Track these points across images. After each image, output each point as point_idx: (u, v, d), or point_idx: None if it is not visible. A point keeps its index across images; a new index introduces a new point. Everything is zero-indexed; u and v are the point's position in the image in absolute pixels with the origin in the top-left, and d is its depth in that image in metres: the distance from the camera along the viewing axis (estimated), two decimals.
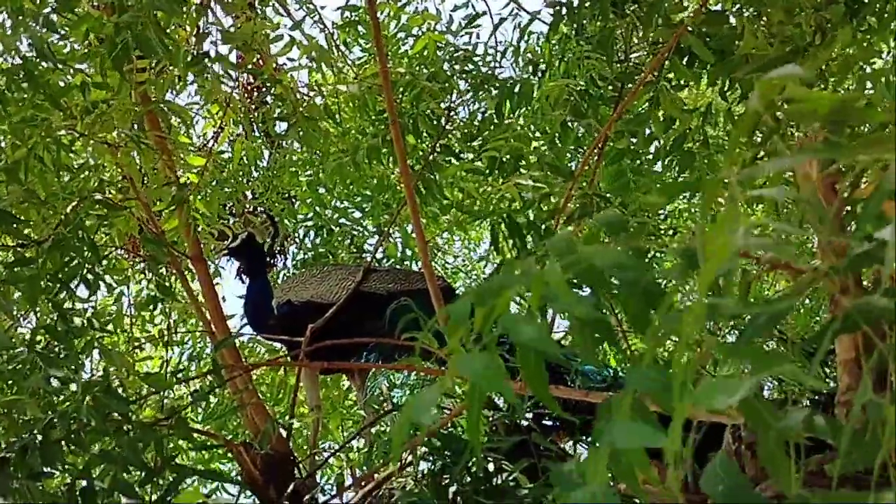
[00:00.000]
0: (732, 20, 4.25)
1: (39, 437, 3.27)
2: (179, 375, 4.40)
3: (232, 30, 4.80)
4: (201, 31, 4.68)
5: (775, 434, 1.41)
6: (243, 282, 7.58)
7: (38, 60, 3.97)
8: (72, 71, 4.64)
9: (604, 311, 1.53)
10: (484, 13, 6.09)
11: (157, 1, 3.55)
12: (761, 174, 1.24)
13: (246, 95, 6.22)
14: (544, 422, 4.67)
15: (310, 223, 7.25)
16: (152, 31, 3.54)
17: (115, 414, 3.42)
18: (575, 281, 1.49)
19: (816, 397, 3.55)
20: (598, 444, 1.32)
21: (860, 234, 1.22)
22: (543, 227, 4.27)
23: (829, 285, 2.30)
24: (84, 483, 3.27)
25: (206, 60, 4.40)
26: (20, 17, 3.84)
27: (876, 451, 1.40)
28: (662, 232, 6.61)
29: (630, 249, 1.48)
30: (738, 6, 4.23)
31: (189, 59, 4.34)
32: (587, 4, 4.60)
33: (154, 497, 3.36)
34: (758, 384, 1.26)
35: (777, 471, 1.40)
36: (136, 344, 6.36)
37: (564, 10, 4.67)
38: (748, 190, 1.21)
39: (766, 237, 1.18)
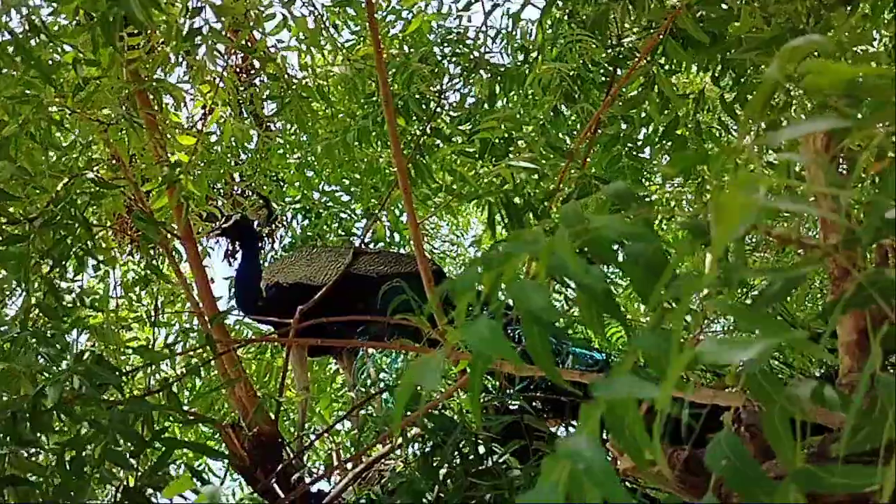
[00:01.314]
0: (723, 5, 4.24)
1: (30, 406, 3.25)
2: (171, 349, 4.36)
3: (201, 4, 4.76)
4: (193, 7, 4.65)
5: (781, 409, 1.41)
6: (230, 264, 7.57)
7: (28, 35, 3.94)
8: (60, 48, 4.60)
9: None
10: (477, 0, 6.08)
11: None
12: (778, 140, 1.23)
13: (236, 76, 6.19)
14: (533, 405, 4.68)
15: (298, 206, 7.24)
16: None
17: (107, 386, 3.42)
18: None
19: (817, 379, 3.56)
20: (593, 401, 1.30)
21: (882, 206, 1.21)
22: (540, 208, 4.26)
23: (831, 265, 2.31)
24: (73, 453, 3.26)
25: (200, 36, 4.38)
26: None
27: (883, 429, 1.40)
28: None
29: (639, 220, 1.48)
30: None
31: (183, 34, 4.32)
32: None
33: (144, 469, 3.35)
34: (768, 350, 1.25)
35: (781, 447, 1.40)
36: (123, 324, 6.33)
37: None
38: (764, 155, 1.20)
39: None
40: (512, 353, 1.35)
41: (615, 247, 1.51)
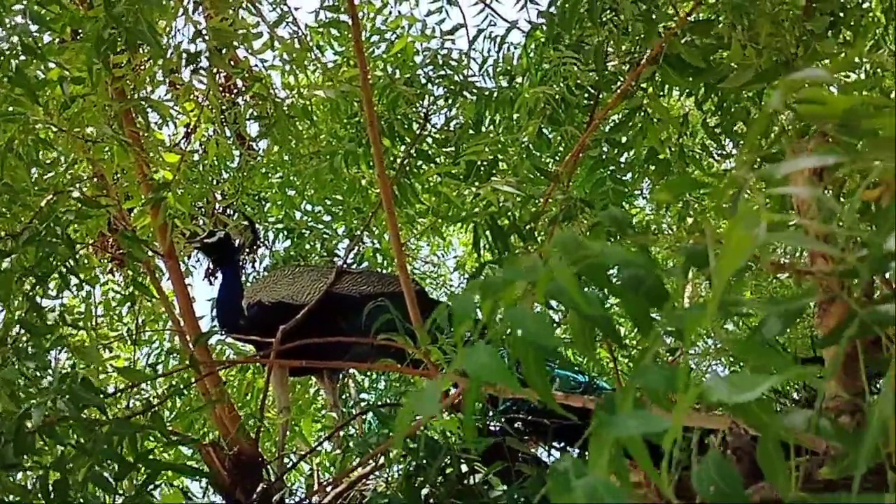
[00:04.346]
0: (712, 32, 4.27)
1: (13, 428, 3.23)
2: (155, 370, 4.35)
3: (203, 29, 4.77)
4: (194, 31, 4.67)
5: (774, 436, 1.42)
6: (212, 283, 7.55)
7: (18, 53, 3.93)
8: (44, 66, 4.59)
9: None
10: (462, 25, 6.10)
11: None
12: (777, 174, 1.25)
13: (220, 94, 6.20)
14: (515, 426, 4.69)
15: (280, 226, 7.23)
16: (144, 26, 3.51)
17: (90, 407, 3.40)
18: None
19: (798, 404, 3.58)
20: (600, 436, 1.31)
21: (880, 238, 1.23)
22: (526, 229, 4.28)
23: (818, 293, 2.32)
24: (57, 476, 3.24)
25: (199, 60, 4.40)
26: (1, 10, 3.80)
27: (875, 455, 1.42)
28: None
29: (637, 247, 1.49)
30: (717, 16, 4.26)
31: (185, 56, 4.33)
32: (574, 14, 4.60)
33: (130, 493, 3.34)
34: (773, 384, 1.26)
35: (774, 474, 1.41)
36: (104, 342, 6.31)
37: (556, 20, 4.68)
38: (768, 188, 1.22)
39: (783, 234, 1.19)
40: (512, 381, 1.36)
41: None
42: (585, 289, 1.50)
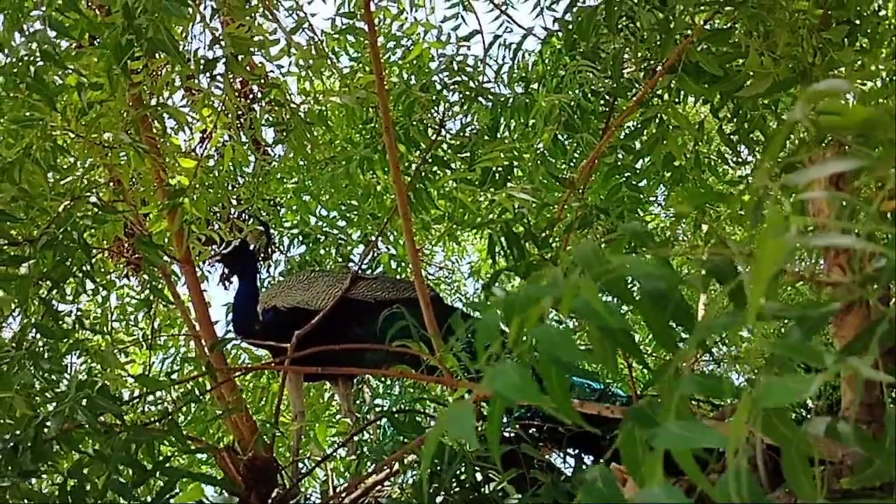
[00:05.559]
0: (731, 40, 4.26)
1: (31, 436, 3.24)
2: (172, 377, 4.36)
3: (221, 35, 4.78)
4: (212, 37, 4.67)
5: (798, 447, 1.42)
6: (227, 289, 7.56)
7: (36, 60, 3.95)
8: (61, 72, 4.61)
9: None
10: (478, 32, 6.11)
11: (166, 2, 3.52)
12: (800, 181, 1.25)
13: (236, 100, 6.21)
14: (530, 433, 4.68)
15: (295, 231, 7.24)
16: (165, 34, 3.52)
17: (107, 415, 3.41)
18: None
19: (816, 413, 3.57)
20: (651, 447, 1.30)
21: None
22: (542, 236, 4.28)
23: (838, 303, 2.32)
24: (75, 482, 3.25)
25: (216, 66, 4.41)
26: (20, 17, 3.82)
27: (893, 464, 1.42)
28: None
29: (660, 260, 1.49)
30: (734, 24, 4.26)
31: (202, 63, 4.34)
32: (592, 21, 4.60)
33: (148, 499, 3.34)
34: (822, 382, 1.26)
35: (799, 483, 1.41)
36: (120, 347, 6.32)
37: (573, 27, 4.67)
38: (791, 196, 1.22)
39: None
40: (543, 399, 1.35)
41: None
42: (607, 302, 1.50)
